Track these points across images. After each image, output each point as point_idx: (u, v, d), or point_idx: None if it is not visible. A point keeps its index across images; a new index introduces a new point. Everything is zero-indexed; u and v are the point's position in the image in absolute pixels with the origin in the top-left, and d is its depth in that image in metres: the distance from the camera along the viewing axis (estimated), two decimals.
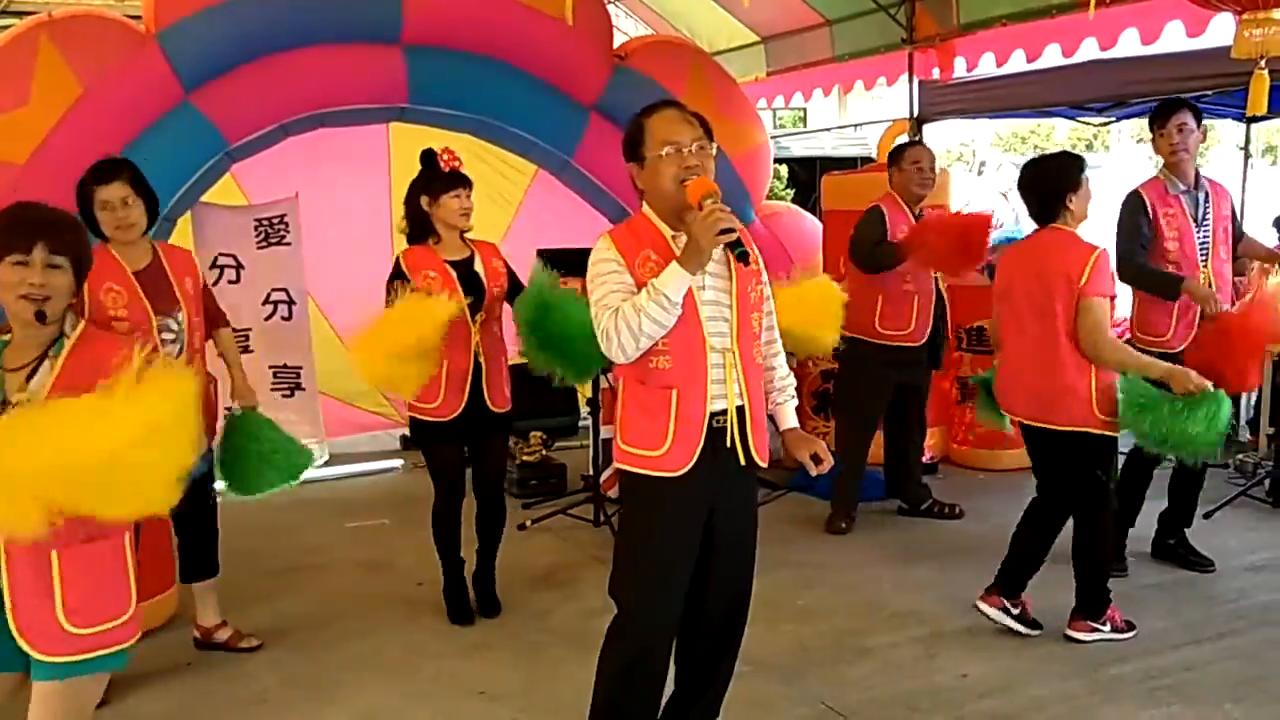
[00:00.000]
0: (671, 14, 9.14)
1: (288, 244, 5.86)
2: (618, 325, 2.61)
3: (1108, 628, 4.00)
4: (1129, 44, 6.06)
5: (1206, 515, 5.34)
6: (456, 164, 4.17)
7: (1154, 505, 4.77)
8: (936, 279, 5.31)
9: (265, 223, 5.71)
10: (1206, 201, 4.56)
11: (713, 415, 2.71)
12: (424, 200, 4.09)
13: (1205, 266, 4.52)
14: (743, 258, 2.62)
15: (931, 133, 7.39)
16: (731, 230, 2.53)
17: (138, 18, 5.40)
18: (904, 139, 6.86)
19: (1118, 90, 6.05)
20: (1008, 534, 4.12)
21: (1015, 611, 4.04)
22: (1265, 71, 4.18)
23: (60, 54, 4.99)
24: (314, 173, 6.14)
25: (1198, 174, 4.59)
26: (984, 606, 4.06)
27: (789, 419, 2.91)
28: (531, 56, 5.83)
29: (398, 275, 4.05)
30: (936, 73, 7.37)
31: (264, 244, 5.76)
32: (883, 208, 5.16)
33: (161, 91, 5.20)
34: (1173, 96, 4.58)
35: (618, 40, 6.62)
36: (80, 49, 5.03)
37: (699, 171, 2.64)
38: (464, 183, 4.12)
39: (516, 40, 5.78)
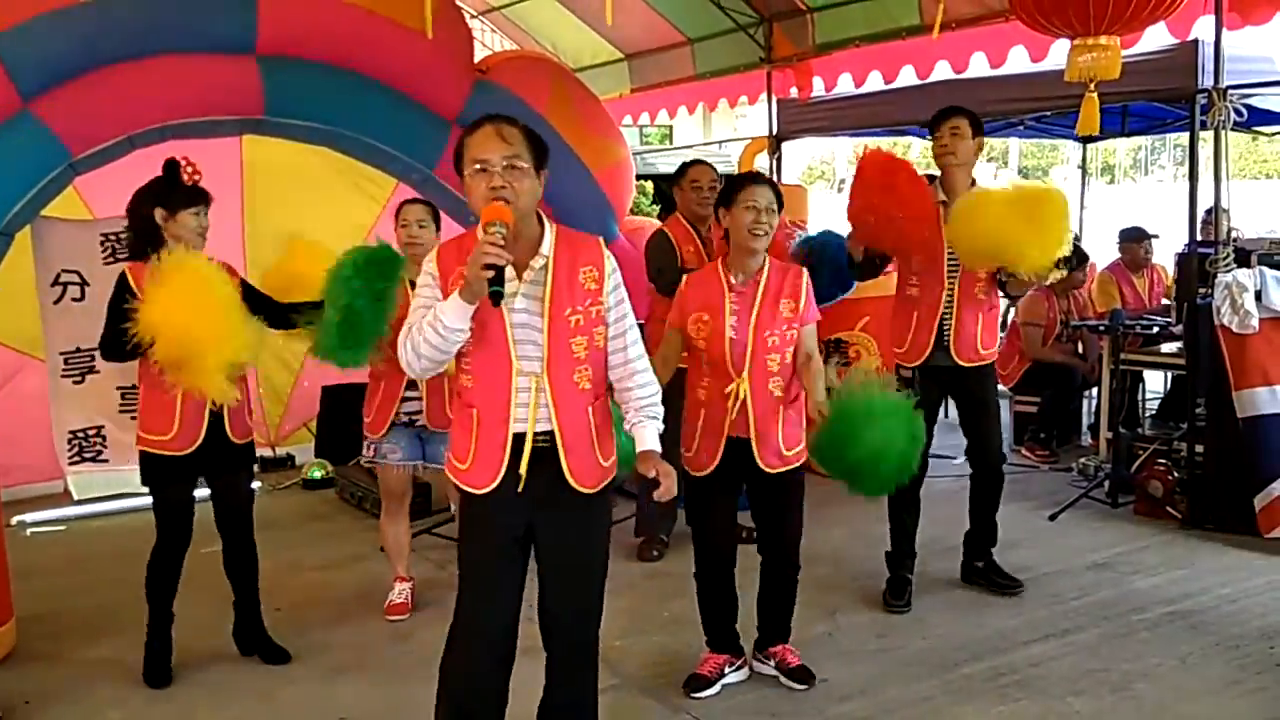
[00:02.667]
0: (536, 30, 9.15)
1: None
2: (405, 342, 2.68)
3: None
4: (979, 67, 6.35)
5: (1052, 517, 5.60)
6: (198, 178, 3.97)
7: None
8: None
9: (113, 237, 5.48)
10: None
11: (518, 437, 2.70)
12: (159, 213, 3.83)
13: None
14: (495, 297, 2.54)
15: (791, 150, 7.58)
16: (493, 267, 2.49)
17: None
18: (761, 157, 7.01)
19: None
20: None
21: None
22: (1095, 94, 4.42)
23: None
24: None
25: None
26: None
27: (644, 441, 2.85)
28: (391, 69, 5.74)
29: (122, 293, 3.71)
30: (795, 92, 7.56)
31: (111, 259, 5.52)
32: (667, 231, 5.14)
33: None
34: (950, 106, 4.48)
35: (481, 54, 6.58)
36: None
37: (507, 192, 2.60)
38: (204, 199, 3.92)
39: (375, 53, 5.69)
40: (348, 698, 3.80)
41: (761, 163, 7.90)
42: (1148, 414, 7.59)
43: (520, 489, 2.72)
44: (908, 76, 6.75)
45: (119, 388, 5.35)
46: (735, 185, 3.63)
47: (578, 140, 6.19)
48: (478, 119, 2.73)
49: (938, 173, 4.47)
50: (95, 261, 5.42)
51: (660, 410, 2.90)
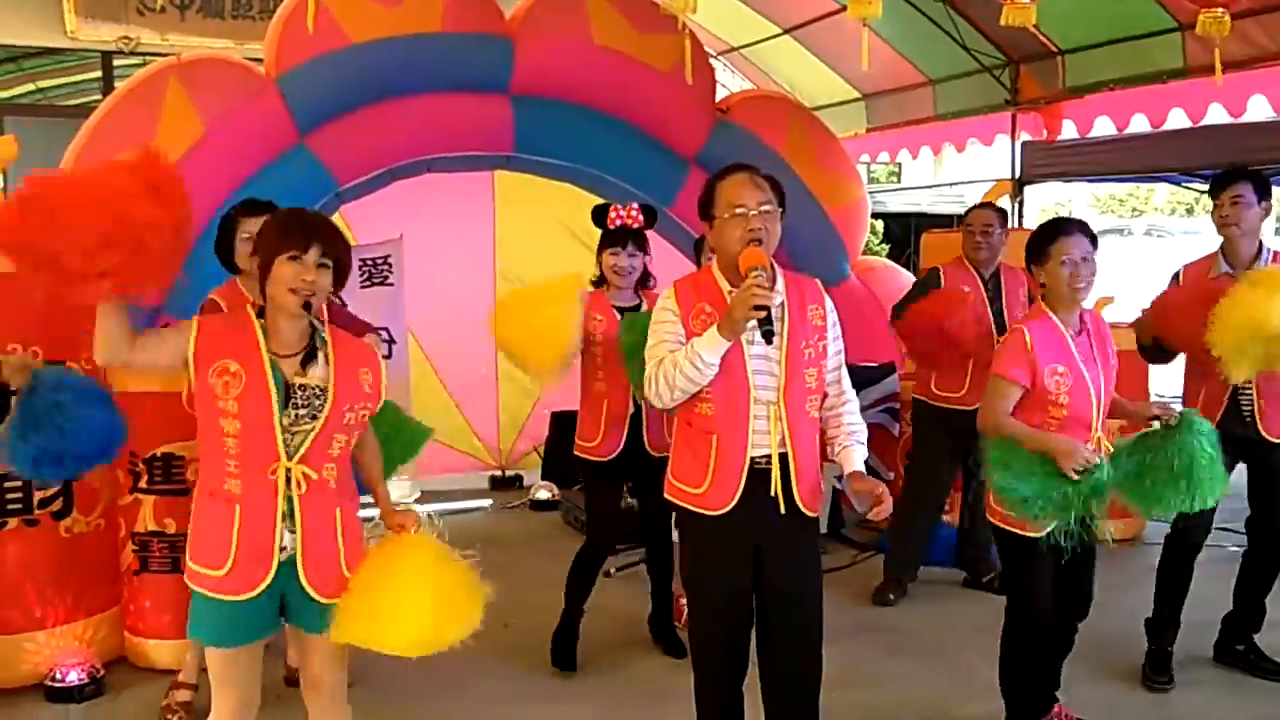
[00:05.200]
0: (774, 69, 9.22)
1: (390, 284, 6.01)
2: (656, 375, 2.84)
3: None
4: (1258, 110, 5.92)
5: None
6: (628, 221, 4.24)
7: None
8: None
9: (370, 263, 5.86)
10: None
11: (754, 460, 2.84)
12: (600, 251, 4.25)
13: None
14: (767, 336, 2.73)
15: (1031, 194, 7.31)
16: (764, 307, 2.67)
17: (259, 60, 5.62)
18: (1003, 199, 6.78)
19: (1234, 157, 5.88)
20: None
21: None
22: None
23: (187, 95, 5.20)
24: (419, 216, 6.29)
25: None
26: None
27: (853, 462, 2.96)
28: (635, 109, 5.91)
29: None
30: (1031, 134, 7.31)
31: (368, 284, 5.91)
32: (941, 269, 5.01)
33: (278, 133, 5.39)
34: (1235, 166, 4.17)
35: (720, 94, 6.67)
36: (205, 91, 5.23)
37: (761, 234, 2.79)
38: (622, 241, 4.18)
39: (622, 93, 5.87)
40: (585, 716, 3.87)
41: (1002, 205, 7.64)
42: None
43: (753, 511, 2.84)
44: (1177, 119, 6.35)
45: None
46: (1046, 237, 3.38)
47: (814, 178, 6.18)
48: (730, 166, 2.93)
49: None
50: (355, 284, 5.79)
51: (865, 436, 3.00)
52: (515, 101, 5.79)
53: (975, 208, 5.22)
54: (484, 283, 6.52)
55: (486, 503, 6.81)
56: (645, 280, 4.31)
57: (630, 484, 4.42)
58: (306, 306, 2.50)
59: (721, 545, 2.91)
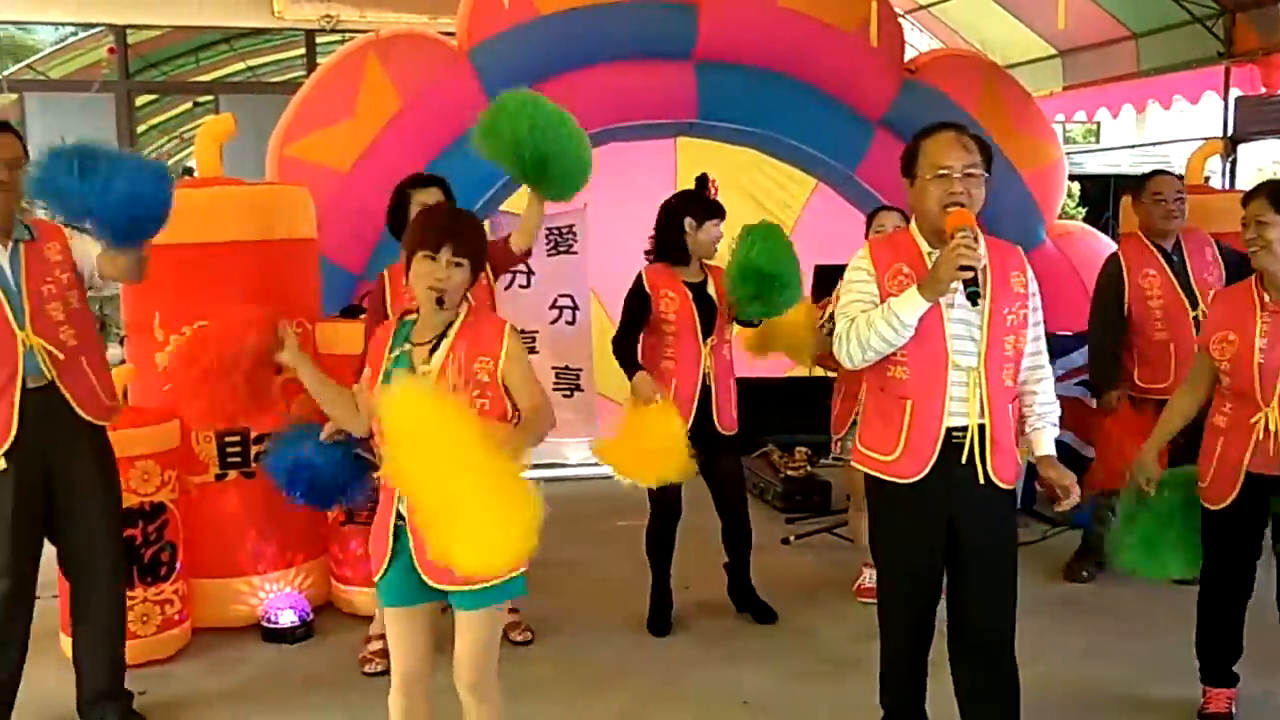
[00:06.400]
0: (963, 26, 8.89)
1: (574, 253, 6.14)
2: (849, 334, 2.77)
3: None
4: None
5: None
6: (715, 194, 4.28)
7: None
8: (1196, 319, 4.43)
9: (555, 232, 6.00)
10: None
11: (950, 430, 2.75)
12: (689, 222, 4.17)
13: None
14: (972, 298, 2.65)
15: (1247, 154, 6.84)
16: (970, 268, 2.59)
17: (452, 34, 5.80)
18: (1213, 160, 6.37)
19: None
20: None
21: None
22: None
23: (384, 70, 5.43)
24: (602, 185, 6.36)
25: None
26: None
27: (1042, 446, 2.89)
28: (821, 71, 5.82)
29: (639, 292, 4.19)
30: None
31: (553, 252, 6.05)
32: (1122, 258, 4.66)
33: (470, 106, 5.52)
34: None
35: (907, 55, 6.50)
36: (401, 66, 5.45)
37: (964, 198, 2.69)
38: (723, 214, 4.23)
39: (806, 55, 5.79)
40: (749, 683, 3.90)
41: (1213, 167, 7.19)
42: None
43: (948, 480, 2.76)
44: None
45: None
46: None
47: (1007, 140, 5.93)
48: (937, 124, 2.83)
49: None
50: (541, 252, 5.94)
51: (1058, 416, 2.89)
52: (698, 67, 5.79)
53: (1156, 174, 4.76)
54: None
55: None
56: None
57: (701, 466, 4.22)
58: (440, 302, 2.60)
59: (913, 515, 2.83)
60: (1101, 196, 11.46)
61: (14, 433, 3.21)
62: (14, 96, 9.65)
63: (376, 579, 2.71)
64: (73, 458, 3.36)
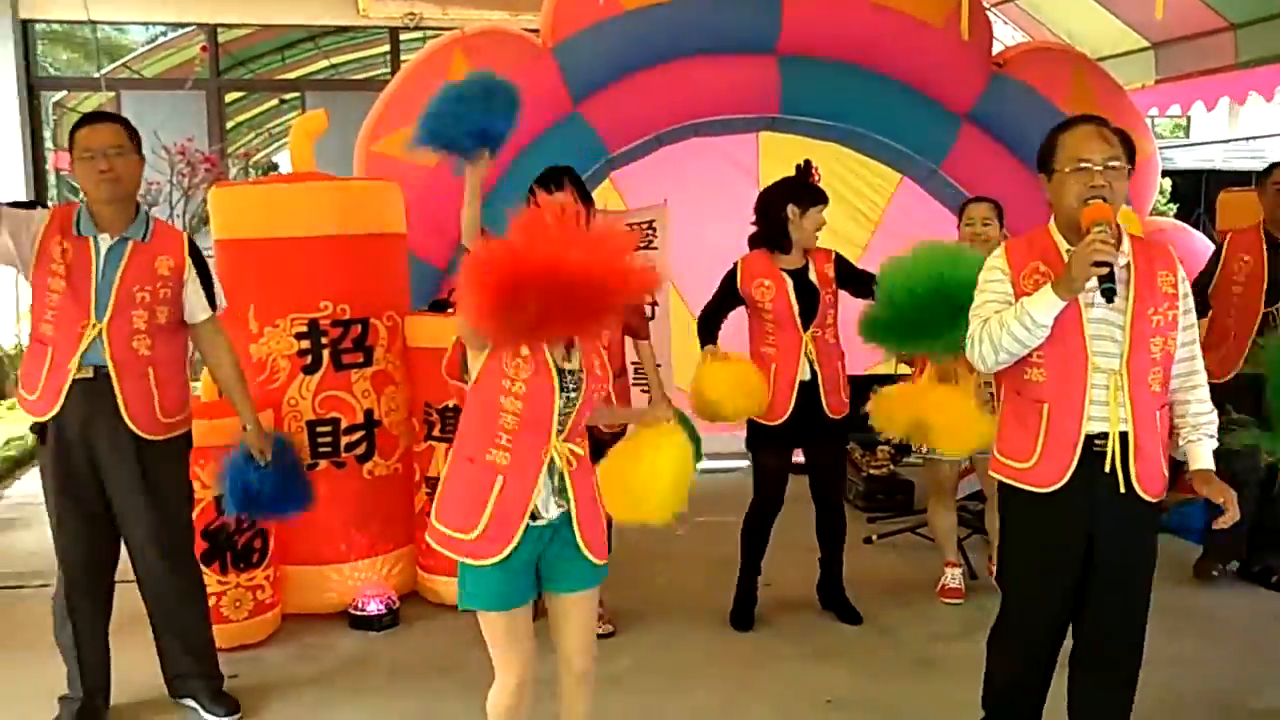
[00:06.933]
0: (1051, 19, 8.70)
1: (655, 249, 6.13)
2: (981, 335, 2.68)
3: None
4: None
5: None
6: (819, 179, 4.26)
7: None
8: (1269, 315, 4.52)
9: (636, 228, 6.00)
10: None
11: (1090, 437, 2.63)
12: (792, 209, 4.14)
13: None
14: (1108, 294, 2.54)
15: None
16: (1106, 264, 2.49)
17: (534, 31, 5.84)
18: None
19: None
20: None
21: None
22: None
23: (470, 67, 5.44)
24: (684, 180, 6.38)
25: None
26: None
27: (1199, 459, 2.72)
28: (906, 65, 5.75)
29: (731, 278, 4.21)
30: None
31: (641, 247, 6.06)
32: (1226, 240, 4.64)
33: (554, 102, 5.59)
34: None
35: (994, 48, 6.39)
36: (487, 62, 5.44)
37: (1105, 192, 2.59)
38: (826, 200, 4.20)
39: (892, 49, 5.73)
40: (832, 681, 3.87)
41: None
42: None
43: (1088, 489, 2.65)
44: None
45: None
46: None
47: None
48: (1076, 117, 2.75)
49: None
50: None
51: (1215, 428, 2.73)
52: (782, 62, 5.76)
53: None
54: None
55: (746, 463, 6.85)
56: None
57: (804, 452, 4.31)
58: None
59: (1049, 525, 2.72)
60: (1193, 192, 11.15)
61: (58, 408, 3.26)
62: (111, 94, 9.96)
63: (484, 565, 2.60)
64: (118, 459, 3.33)
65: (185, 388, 3.51)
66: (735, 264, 4.25)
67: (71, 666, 3.47)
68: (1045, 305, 2.56)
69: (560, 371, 2.57)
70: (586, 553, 2.66)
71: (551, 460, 2.58)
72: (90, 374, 3.26)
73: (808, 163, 4.28)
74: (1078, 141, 2.63)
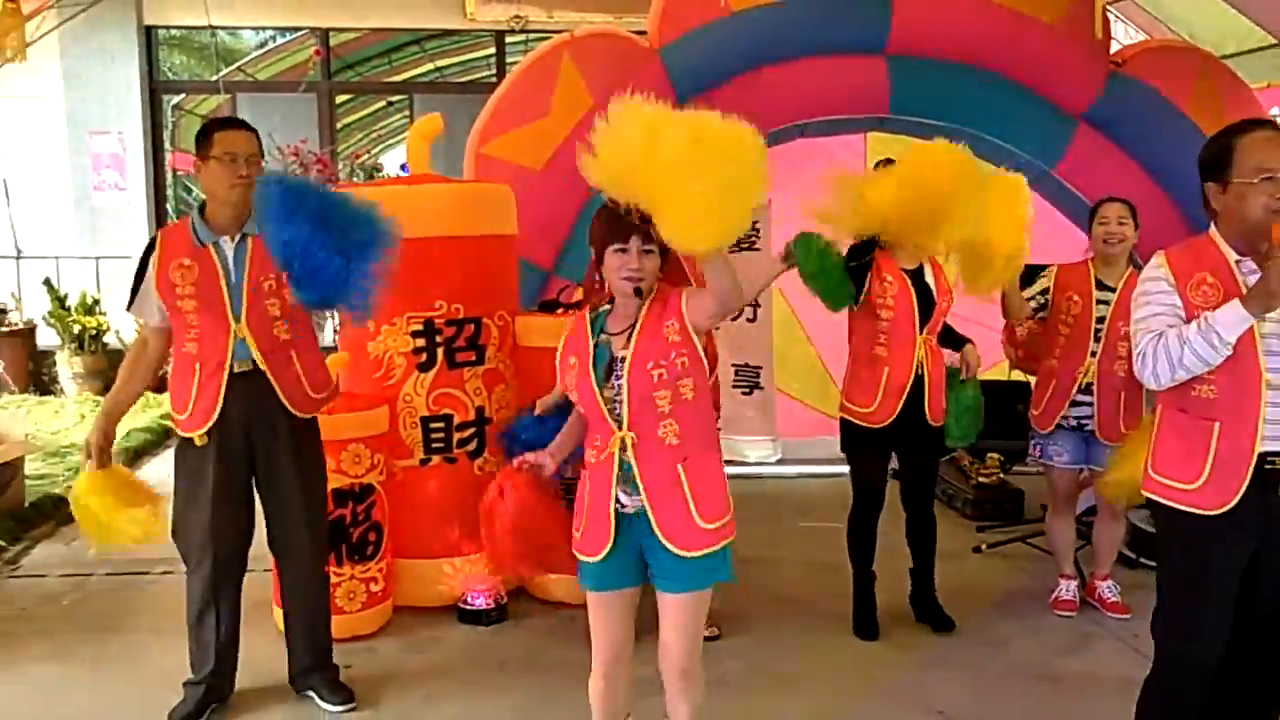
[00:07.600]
0: (1171, 17, 8.44)
1: (757, 249, 6.12)
2: (1156, 351, 2.58)
3: None
4: None
5: None
6: None
7: None
8: None
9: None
10: None
11: (1264, 456, 2.52)
12: None
13: None
14: None
15: None
16: None
17: (641, 33, 5.86)
18: None
19: None
20: None
21: None
22: None
23: (578, 69, 5.52)
24: (789, 179, 6.33)
25: None
26: None
27: None
28: (1019, 65, 5.62)
29: (863, 271, 4.14)
30: None
31: (735, 249, 6.00)
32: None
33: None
34: None
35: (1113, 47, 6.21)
36: (594, 65, 5.52)
37: None
38: None
39: (1005, 48, 5.61)
40: (941, 692, 3.81)
41: None
42: None
43: (1260, 513, 2.55)
44: None
45: None
46: None
47: None
48: (1251, 121, 2.64)
49: None
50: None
51: None
52: (891, 61, 5.68)
53: None
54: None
55: (841, 468, 6.78)
56: None
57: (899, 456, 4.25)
58: (638, 292, 2.66)
59: (1216, 551, 2.61)
60: None
61: (218, 413, 3.38)
62: (227, 96, 10.30)
63: (591, 561, 2.75)
64: (274, 443, 3.48)
65: (323, 361, 3.66)
66: (869, 258, 4.15)
67: (205, 652, 3.58)
68: (1234, 322, 2.47)
69: (612, 361, 2.67)
70: (667, 544, 2.67)
71: (622, 448, 2.66)
72: (248, 367, 3.39)
73: (889, 161, 4.24)
74: (1262, 150, 2.52)
